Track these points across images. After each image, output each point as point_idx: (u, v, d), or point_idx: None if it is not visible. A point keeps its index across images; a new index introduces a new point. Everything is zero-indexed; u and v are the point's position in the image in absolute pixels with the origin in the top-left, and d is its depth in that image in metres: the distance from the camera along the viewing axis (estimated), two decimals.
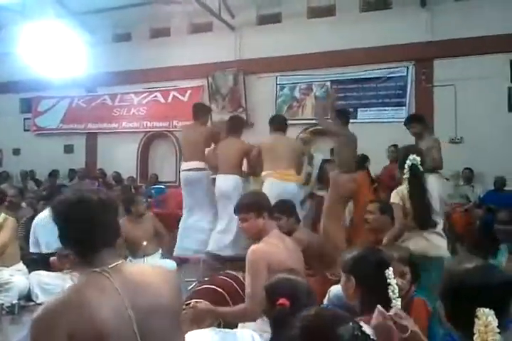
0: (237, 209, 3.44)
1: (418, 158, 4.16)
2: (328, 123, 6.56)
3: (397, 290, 2.20)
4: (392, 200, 4.21)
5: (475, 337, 1.59)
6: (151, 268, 2.01)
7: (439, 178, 5.91)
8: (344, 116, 6.65)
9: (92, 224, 1.81)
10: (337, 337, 1.22)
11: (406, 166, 4.14)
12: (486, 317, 1.59)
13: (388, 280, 2.20)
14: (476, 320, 1.61)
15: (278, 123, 6.35)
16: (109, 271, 1.80)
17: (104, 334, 1.67)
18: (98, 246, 1.82)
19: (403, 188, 4.18)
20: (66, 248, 1.87)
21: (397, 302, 2.19)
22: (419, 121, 6.27)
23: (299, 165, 6.39)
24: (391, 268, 2.25)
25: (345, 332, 1.22)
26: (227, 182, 6.34)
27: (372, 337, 1.26)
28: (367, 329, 1.23)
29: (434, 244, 4.12)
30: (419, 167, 4.15)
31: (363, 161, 7.47)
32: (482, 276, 1.72)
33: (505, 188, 8.39)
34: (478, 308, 1.62)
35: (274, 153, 6.02)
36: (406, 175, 4.16)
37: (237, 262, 5.71)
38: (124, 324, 1.73)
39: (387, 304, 2.19)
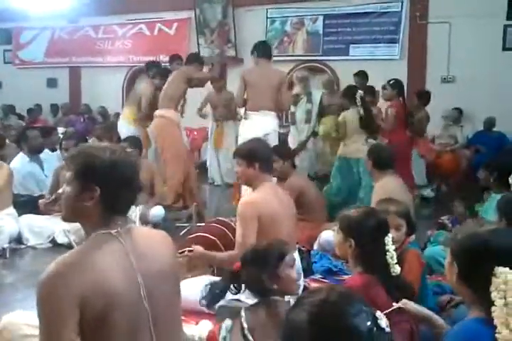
0: (234, 153, 3.42)
1: (362, 92, 6.11)
2: None
3: (395, 257, 2.21)
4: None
5: (493, 295, 1.58)
6: (154, 233, 2.00)
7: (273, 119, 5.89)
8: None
9: (126, 187, 1.75)
10: (349, 329, 1.12)
11: (358, 99, 5.99)
12: (506, 275, 1.58)
13: (387, 247, 2.21)
14: (493, 278, 1.60)
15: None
16: (122, 233, 1.75)
17: (114, 298, 1.64)
18: (122, 208, 1.79)
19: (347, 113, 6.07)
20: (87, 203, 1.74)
21: (395, 269, 2.20)
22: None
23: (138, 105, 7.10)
24: (390, 235, 2.26)
25: (360, 324, 1.11)
26: None
27: (387, 331, 1.15)
28: (383, 321, 1.15)
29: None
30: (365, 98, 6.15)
31: None
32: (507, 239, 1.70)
33: (494, 129, 8.31)
34: (496, 267, 1.60)
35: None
36: (359, 103, 5.96)
37: None
38: (133, 288, 1.71)
39: (384, 268, 2.21)
